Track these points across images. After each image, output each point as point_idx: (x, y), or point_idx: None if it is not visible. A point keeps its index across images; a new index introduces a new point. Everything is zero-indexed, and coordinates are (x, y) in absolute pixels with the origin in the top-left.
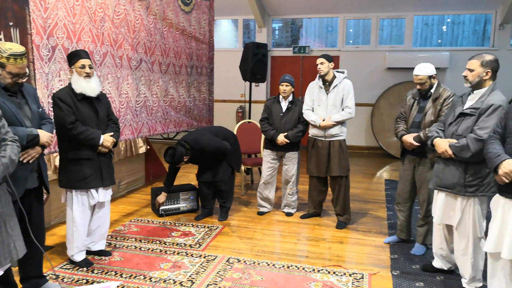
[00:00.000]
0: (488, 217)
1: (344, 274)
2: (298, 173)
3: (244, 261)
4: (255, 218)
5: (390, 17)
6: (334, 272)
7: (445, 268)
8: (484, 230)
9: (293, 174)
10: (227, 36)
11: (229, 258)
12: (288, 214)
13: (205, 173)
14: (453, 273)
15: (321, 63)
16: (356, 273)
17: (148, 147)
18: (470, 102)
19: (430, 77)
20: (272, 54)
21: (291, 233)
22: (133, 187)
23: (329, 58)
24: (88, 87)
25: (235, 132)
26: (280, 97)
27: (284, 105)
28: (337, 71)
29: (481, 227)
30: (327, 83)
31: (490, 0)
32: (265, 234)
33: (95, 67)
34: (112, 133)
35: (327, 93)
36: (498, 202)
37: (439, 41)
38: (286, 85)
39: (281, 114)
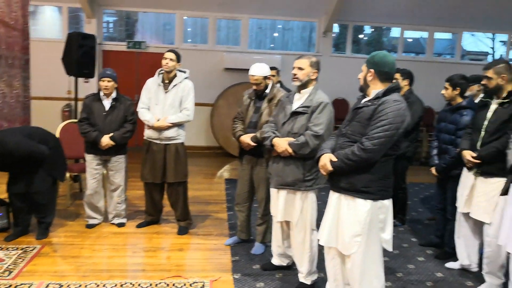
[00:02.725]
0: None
1: (184, 284)
2: (126, 179)
3: (68, 285)
4: (83, 232)
5: (226, 18)
6: (173, 284)
7: (284, 265)
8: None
9: (121, 181)
10: (51, 26)
11: (48, 284)
12: (120, 225)
13: (17, 183)
14: (290, 268)
15: (171, 59)
16: (197, 282)
17: None
18: (299, 101)
19: (265, 77)
20: (104, 48)
21: (126, 245)
22: None
23: (178, 58)
24: None
25: (57, 134)
26: (101, 94)
27: (107, 103)
28: (179, 70)
29: (314, 219)
30: (166, 81)
31: (314, 9)
32: (94, 250)
33: None
34: None
35: (166, 92)
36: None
37: (272, 45)
38: (108, 81)
39: (104, 113)
